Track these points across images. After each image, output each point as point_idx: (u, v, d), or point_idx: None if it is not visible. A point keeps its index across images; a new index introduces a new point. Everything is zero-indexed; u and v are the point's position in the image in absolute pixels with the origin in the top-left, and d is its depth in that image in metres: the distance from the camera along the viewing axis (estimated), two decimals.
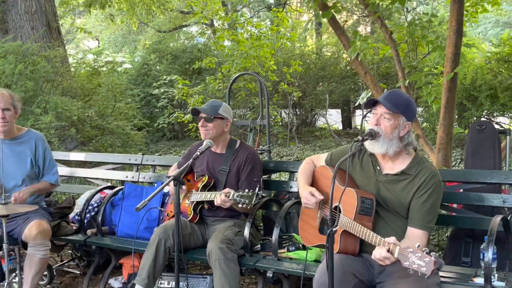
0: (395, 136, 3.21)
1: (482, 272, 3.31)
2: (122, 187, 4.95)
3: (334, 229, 3.26)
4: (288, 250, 4.11)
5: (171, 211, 4.49)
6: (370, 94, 6.03)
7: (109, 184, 5.41)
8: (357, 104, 6.68)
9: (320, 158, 3.77)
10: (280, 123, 12.51)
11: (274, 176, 5.35)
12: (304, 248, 4.06)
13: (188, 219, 4.27)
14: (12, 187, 4.39)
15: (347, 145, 3.66)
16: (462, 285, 3.34)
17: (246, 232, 4.06)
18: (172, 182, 3.61)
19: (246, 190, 3.82)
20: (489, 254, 3.22)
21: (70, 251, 5.53)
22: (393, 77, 12.03)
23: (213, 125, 4.26)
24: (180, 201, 4.33)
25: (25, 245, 4.31)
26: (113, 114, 9.48)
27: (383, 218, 3.28)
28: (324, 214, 3.47)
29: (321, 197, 3.42)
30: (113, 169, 5.64)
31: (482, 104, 9.01)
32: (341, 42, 6.13)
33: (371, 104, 3.28)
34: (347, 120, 16.02)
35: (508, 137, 4.46)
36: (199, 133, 4.37)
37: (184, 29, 22.91)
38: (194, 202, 4.27)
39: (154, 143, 13.87)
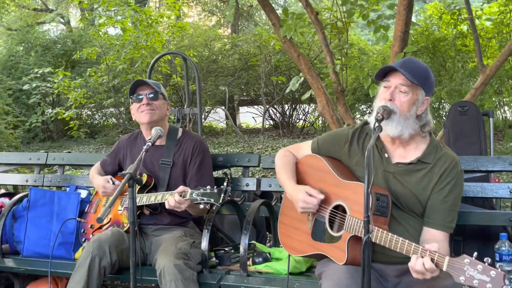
0: (412, 114, 2.63)
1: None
2: (26, 193, 3.86)
3: (338, 235, 2.63)
4: (254, 263, 3.33)
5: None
6: (302, 79, 5.39)
7: (3, 190, 4.25)
8: (287, 91, 6.01)
9: (301, 148, 3.09)
10: (173, 120, 11.64)
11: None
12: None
13: (124, 229, 3.34)
14: None
15: (339, 129, 3.00)
16: None
17: (205, 243, 3.23)
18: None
19: (208, 187, 2.99)
20: None
21: None
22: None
23: (159, 104, 3.40)
24: (110, 208, 3.39)
25: None
26: None
27: (395, 218, 2.68)
28: (318, 215, 2.76)
29: (322, 196, 2.73)
30: (4, 172, 4.49)
31: None
32: (270, 21, 5.43)
33: (383, 74, 2.62)
34: (232, 118, 15.56)
35: (491, 119, 4.03)
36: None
37: (37, 27, 21.01)
38: None
39: (25, 145, 12.39)
